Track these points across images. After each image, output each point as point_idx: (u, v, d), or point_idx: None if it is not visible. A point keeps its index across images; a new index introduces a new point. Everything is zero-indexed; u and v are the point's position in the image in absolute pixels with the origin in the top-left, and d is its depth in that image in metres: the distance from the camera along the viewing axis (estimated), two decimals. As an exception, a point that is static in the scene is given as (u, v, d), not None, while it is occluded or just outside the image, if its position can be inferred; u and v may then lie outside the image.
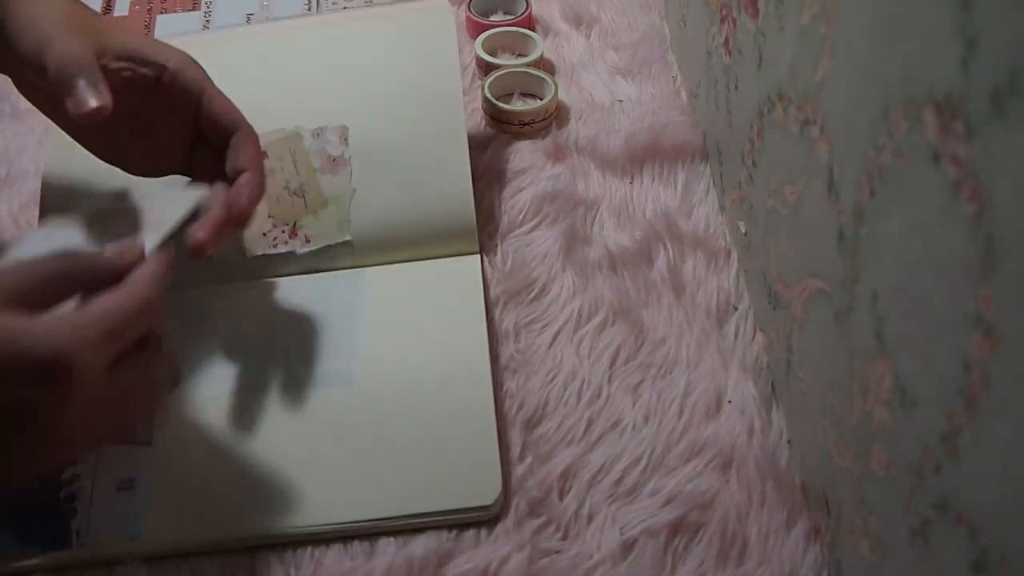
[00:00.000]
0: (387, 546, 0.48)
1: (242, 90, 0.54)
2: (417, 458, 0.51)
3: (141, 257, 0.46)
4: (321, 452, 0.51)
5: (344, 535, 0.49)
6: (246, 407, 0.53)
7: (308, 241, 0.60)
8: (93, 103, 0.47)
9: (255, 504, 0.50)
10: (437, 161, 0.62)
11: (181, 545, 0.49)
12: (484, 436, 0.51)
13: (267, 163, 0.61)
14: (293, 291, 0.59)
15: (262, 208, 0.60)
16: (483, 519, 0.49)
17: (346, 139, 0.62)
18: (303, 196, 0.61)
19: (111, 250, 0.46)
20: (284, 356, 0.56)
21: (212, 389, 0.54)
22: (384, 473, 0.50)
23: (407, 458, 0.51)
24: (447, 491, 0.49)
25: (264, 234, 0.61)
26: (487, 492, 0.49)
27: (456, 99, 0.63)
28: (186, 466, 0.51)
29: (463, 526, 0.49)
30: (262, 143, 0.55)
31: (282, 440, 0.52)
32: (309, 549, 0.49)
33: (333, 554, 0.48)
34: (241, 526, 0.49)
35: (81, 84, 0.47)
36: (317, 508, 0.49)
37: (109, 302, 0.42)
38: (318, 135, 0.62)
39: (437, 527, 0.49)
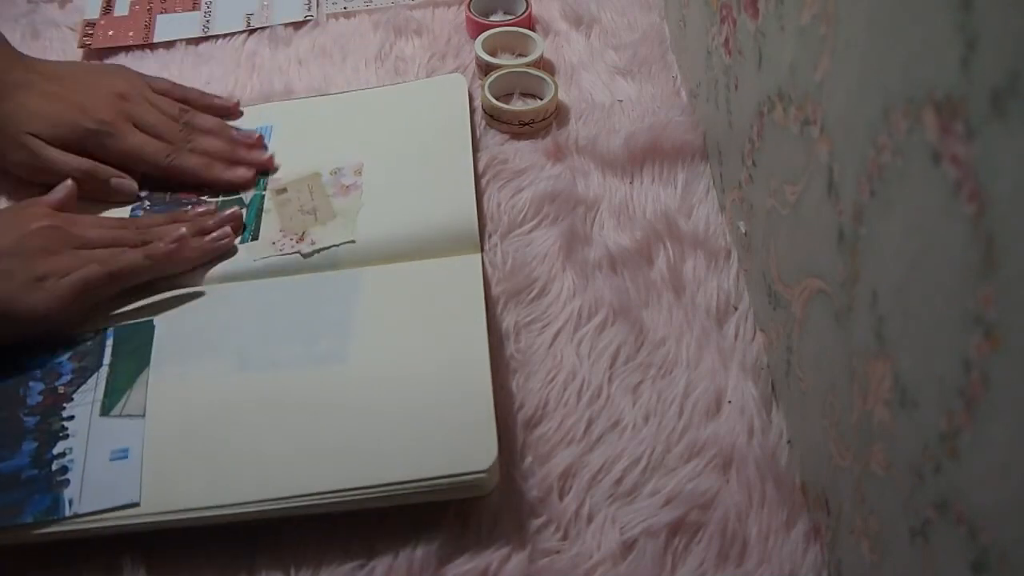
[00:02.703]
0: (387, 546, 0.48)
1: (281, 145, 0.69)
2: (414, 431, 0.50)
3: None
4: (316, 424, 0.51)
5: (336, 506, 0.48)
6: (240, 383, 0.54)
7: (313, 243, 0.61)
8: (133, 184, 0.66)
9: (250, 473, 0.49)
10: (441, 173, 0.65)
11: (176, 514, 0.48)
12: (479, 405, 0.51)
13: (285, 196, 0.66)
14: (294, 289, 0.60)
15: (275, 224, 0.64)
16: (480, 488, 0.48)
17: (360, 172, 0.67)
18: (314, 213, 0.64)
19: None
20: (282, 340, 0.56)
21: (206, 368, 0.55)
22: (379, 443, 0.50)
23: (403, 431, 0.50)
24: (442, 459, 0.49)
25: (273, 243, 0.62)
26: (482, 459, 0.48)
27: (465, 140, 0.67)
28: (181, 437, 0.51)
29: (464, 524, 0.49)
30: (286, 183, 0.67)
31: (277, 414, 0.52)
32: (310, 548, 0.49)
33: (333, 554, 0.48)
34: (237, 493, 0.48)
35: (115, 181, 0.65)
36: (309, 477, 0.49)
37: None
38: (335, 172, 0.67)
39: (435, 499, 0.48)
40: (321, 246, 0.61)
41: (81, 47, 0.79)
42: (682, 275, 0.60)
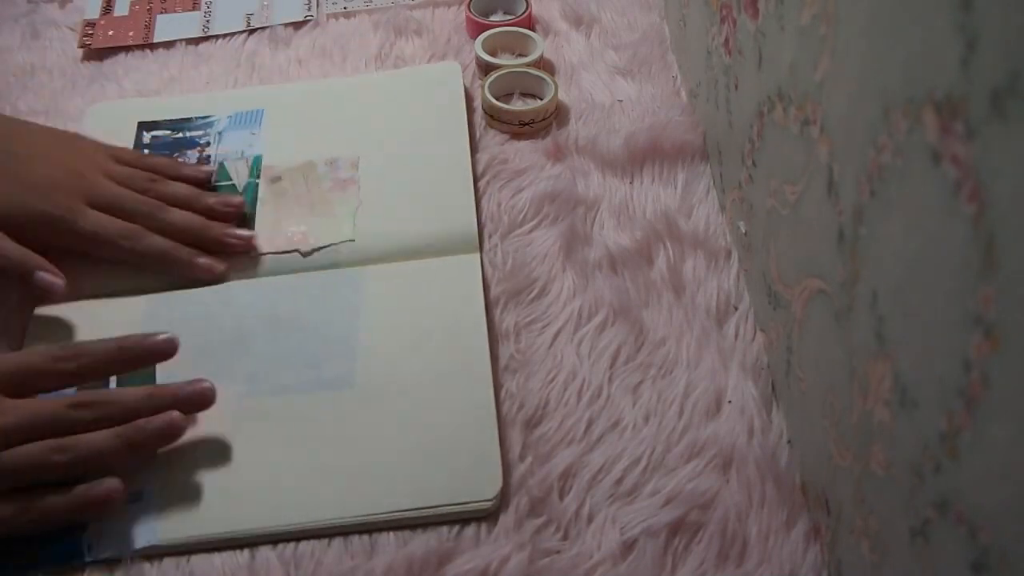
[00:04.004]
0: (387, 545, 0.48)
1: (272, 134, 0.68)
2: (418, 456, 0.51)
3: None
4: (323, 451, 0.52)
5: (345, 531, 0.49)
6: (248, 407, 0.54)
7: (312, 242, 0.62)
8: (58, 281, 0.57)
9: (260, 502, 0.50)
10: (439, 168, 0.65)
11: (189, 546, 0.49)
12: (484, 433, 0.52)
13: (281, 185, 0.65)
14: (294, 289, 0.60)
15: (272, 218, 0.63)
16: (483, 514, 0.49)
17: (356, 166, 0.66)
18: (311, 209, 0.64)
19: None
20: (286, 358, 0.56)
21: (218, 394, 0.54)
22: (385, 471, 0.51)
23: (408, 456, 0.51)
24: (447, 487, 0.50)
25: (271, 239, 0.62)
26: (487, 488, 0.49)
27: (461, 130, 0.68)
28: (191, 468, 0.51)
29: (464, 523, 0.49)
30: (280, 171, 0.66)
31: (284, 440, 0.52)
32: (310, 548, 0.49)
33: (333, 553, 0.48)
34: (248, 521, 0.49)
35: (39, 275, 0.57)
36: (319, 505, 0.49)
37: None
38: (331, 164, 0.67)
39: (438, 523, 0.49)
40: (320, 245, 0.61)
41: (81, 47, 0.79)
42: (682, 275, 0.60)
